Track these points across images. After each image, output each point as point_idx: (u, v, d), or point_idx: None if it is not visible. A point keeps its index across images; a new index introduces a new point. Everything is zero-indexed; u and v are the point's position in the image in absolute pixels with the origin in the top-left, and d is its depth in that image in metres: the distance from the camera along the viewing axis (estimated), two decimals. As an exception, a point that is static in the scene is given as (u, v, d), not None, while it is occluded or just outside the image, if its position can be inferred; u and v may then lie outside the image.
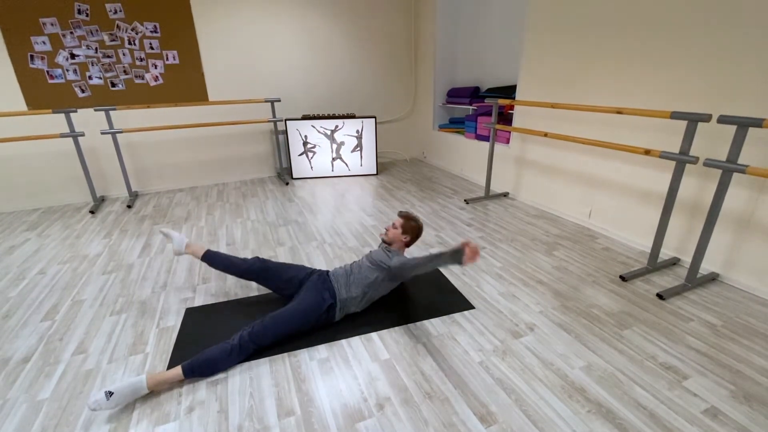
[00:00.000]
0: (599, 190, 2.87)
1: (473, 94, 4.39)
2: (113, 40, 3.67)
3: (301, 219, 3.25)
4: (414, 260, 1.72)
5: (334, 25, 4.48)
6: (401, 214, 2.05)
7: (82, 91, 3.71)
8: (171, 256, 2.61)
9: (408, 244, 2.04)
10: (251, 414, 1.39)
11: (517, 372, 1.56)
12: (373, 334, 1.79)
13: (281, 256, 2.59)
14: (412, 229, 2.01)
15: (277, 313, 1.71)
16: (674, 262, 2.39)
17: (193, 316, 1.95)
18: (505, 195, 3.76)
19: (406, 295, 2.10)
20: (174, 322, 1.92)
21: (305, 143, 4.44)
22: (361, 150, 4.56)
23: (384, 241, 2.03)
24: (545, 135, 2.85)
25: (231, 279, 2.30)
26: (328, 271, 1.96)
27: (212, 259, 2.04)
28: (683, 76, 2.24)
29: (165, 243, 2.82)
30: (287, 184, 4.35)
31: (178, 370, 1.50)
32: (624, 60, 2.54)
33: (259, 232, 3.00)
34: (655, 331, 1.78)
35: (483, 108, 4.17)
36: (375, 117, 4.46)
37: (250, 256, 2.56)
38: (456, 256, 1.48)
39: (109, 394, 1.37)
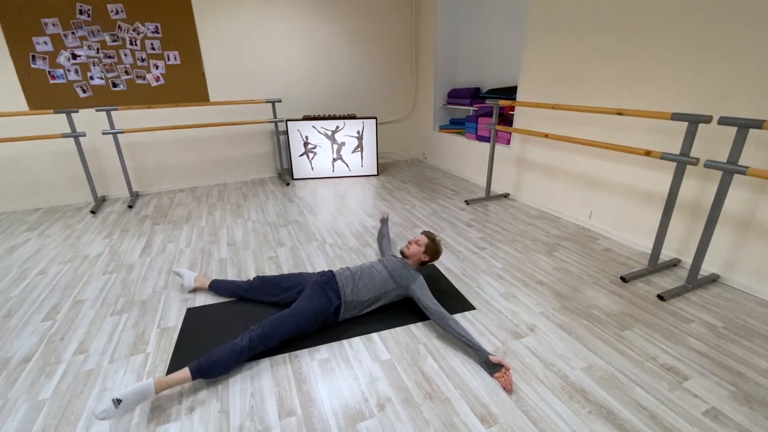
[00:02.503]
0: (600, 191, 2.87)
1: (474, 95, 4.39)
2: (115, 41, 3.68)
3: (301, 219, 3.25)
4: (449, 318, 1.72)
5: (334, 26, 4.48)
6: (427, 235, 2.09)
7: (84, 92, 3.71)
8: (172, 256, 2.62)
9: (423, 263, 2.07)
10: (252, 414, 1.39)
11: (518, 373, 1.56)
12: (374, 335, 1.79)
13: (282, 256, 2.59)
14: (433, 252, 2.05)
15: (285, 313, 1.71)
16: (675, 263, 2.39)
17: (194, 317, 1.95)
18: (506, 196, 3.76)
19: (414, 300, 2.10)
20: (175, 322, 1.92)
21: (306, 144, 4.44)
22: (361, 151, 4.56)
23: (402, 253, 2.06)
24: (546, 136, 2.85)
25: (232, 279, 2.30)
26: (332, 271, 1.95)
27: (217, 288, 2.14)
28: (684, 77, 2.24)
29: (166, 244, 2.83)
30: (288, 184, 4.35)
31: (186, 373, 1.47)
32: (624, 61, 2.54)
33: (260, 232, 3.00)
34: (655, 332, 1.78)
35: (483, 109, 4.17)
36: (376, 118, 4.47)
37: (251, 257, 2.58)
38: (489, 367, 1.56)
39: (118, 402, 1.32)
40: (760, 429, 1.30)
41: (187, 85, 4.02)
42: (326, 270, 1.99)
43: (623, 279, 2.22)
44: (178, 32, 3.85)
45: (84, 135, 3.43)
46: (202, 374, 1.50)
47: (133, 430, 1.33)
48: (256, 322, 1.88)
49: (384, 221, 2.67)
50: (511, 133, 3.68)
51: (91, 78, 3.70)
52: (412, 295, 1.90)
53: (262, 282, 2.03)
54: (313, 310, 1.75)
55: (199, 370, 1.49)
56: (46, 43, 3.48)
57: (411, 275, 1.93)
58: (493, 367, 1.55)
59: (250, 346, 1.58)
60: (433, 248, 2.05)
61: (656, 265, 2.31)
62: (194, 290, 2.19)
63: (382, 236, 2.48)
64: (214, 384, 1.52)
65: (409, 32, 4.88)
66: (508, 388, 1.48)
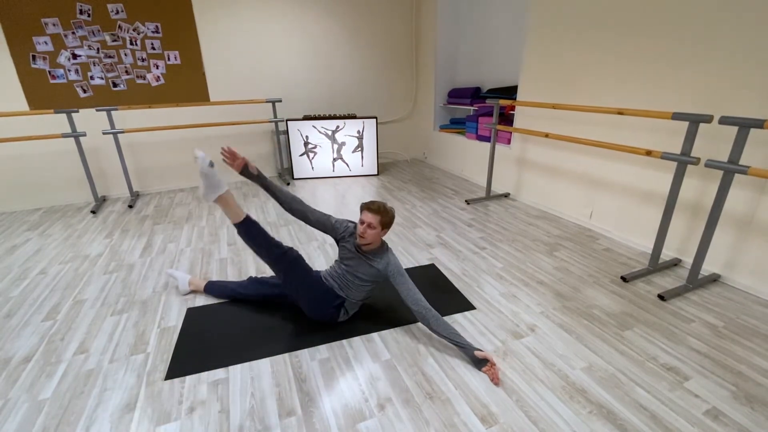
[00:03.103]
0: (600, 190, 2.87)
1: (474, 94, 4.39)
2: (115, 41, 3.68)
3: (302, 219, 3.25)
4: (431, 318, 1.65)
5: (335, 26, 4.48)
6: (372, 209, 1.70)
7: (84, 92, 3.71)
8: (172, 256, 2.62)
9: (384, 234, 1.79)
10: (252, 414, 1.39)
11: (518, 372, 1.56)
12: (374, 334, 1.79)
13: (282, 256, 2.59)
14: (389, 221, 1.74)
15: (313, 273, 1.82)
16: (675, 263, 2.39)
17: (194, 317, 1.95)
18: (506, 195, 3.76)
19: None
20: (175, 322, 1.92)
21: (306, 143, 4.44)
22: (362, 150, 4.56)
23: (359, 246, 1.77)
24: (546, 136, 2.85)
25: (232, 279, 2.30)
26: (319, 273, 1.87)
27: (212, 289, 2.12)
28: (685, 76, 2.24)
29: (166, 243, 2.83)
30: (288, 184, 4.35)
31: (242, 214, 1.73)
32: (625, 61, 2.53)
33: (260, 232, 3.00)
34: (656, 332, 1.78)
35: (484, 108, 4.17)
36: (376, 117, 4.47)
37: (251, 258, 2.58)
38: (476, 361, 1.58)
39: (212, 165, 1.63)
40: (761, 429, 1.30)
41: (188, 84, 4.02)
42: (318, 270, 1.97)
43: (624, 279, 2.21)
44: (178, 32, 3.84)
45: (84, 135, 3.43)
46: (247, 224, 1.74)
47: (134, 430, 1.33)
48: (257, 321, 1.90)
49: (256, 177, 1.80)
50: (511, 133, 3.67)
51: (92, 78, 3.70)
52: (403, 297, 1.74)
53: (257, 283, 2.04)
54: (325, 288, 1.79)
55: (250, 222, 1.75)
56: (46, 42, 3.48)
57: (381, 271, 1.73)
58: (479, 362, 1.56)
59: (284, 252, 1.75)
60: (388, 219, 1.72)
61: (657, 265, 2.31)
62: (189, 293, 2.16)
63: (303, 213, 1.85)
64: (214, 384, 1.52)
65: (410, 32, 4.88)
66: (495, 381, 1.49)
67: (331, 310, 1.78)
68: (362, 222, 1.71)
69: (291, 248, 1.79)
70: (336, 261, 1.89)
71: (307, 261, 2.46)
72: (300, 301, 1.82)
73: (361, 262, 1.76)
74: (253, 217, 3.28)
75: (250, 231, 1.74)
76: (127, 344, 1.76)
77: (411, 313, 1.90)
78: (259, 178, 1.81)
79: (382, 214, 1.70)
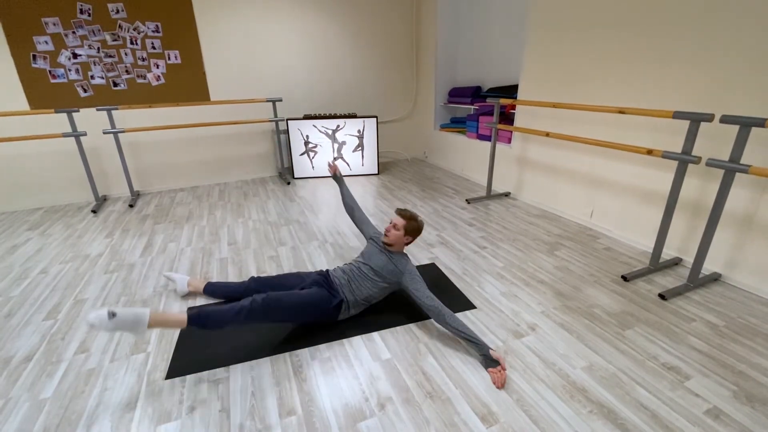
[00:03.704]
0: (601, 190, 2.87)
1: (475, 93, 4.38)
2: (115, 40, 3.68)
3: (302, 219, 3.25)
4: (446, 315, 1.67)
5: (335, 25, 4.48)
6: (402, 214, 1.93)
7: (84, 91, 3.72)
8: (172, 256, 2.62)
9: (408, 244, 1.97)
10: (253, 413, 1.39)
11: (519, 372, 1.56)
12: (375, 334, 1.79)
13: (282, 255, 2.59)
14: (414, 230, 1.92)
15: (291, 291, 1.73)
16: (676, 262, 2.38)
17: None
18: (507, 195, 3.75)
19: (407, 294, 2.10)
20: (176, 321, 1.92)
21: (306, 143, 4.44)
22: (362, 150, 4.56)
23: (384, 243, 1.94)
24: (547, 135, 2.85)
25: (232, 279, 2.30)
26: (327, 271, 1.95)
27: (212, 291, 2.10)
28: (686, 75, 2.24)
29: (167, 243, 2.83)
30: (288, 183, 4.35)
31: (182, 316, 1.46)
32: (626, 59, 2.53)
33: (261, 231, 3.00)
34: (657, 332, 1.78)
35: (484, 108, 4.16)
36: (376, 117, 4.46)
37: (251, 257, 2.58)
38: (487, 361, 1.58)
39: (112, 314, 1.31)
40: (762, 429, 1.29)
41: (188, 84, 4.02)
42: (323, 269, 1.99)
43: (624, 278, 2.21)
44: (178, 31, 3.84)
45: (85, 134, 3.43)
46: (197, 322, 1.49)
47: (134, 430, 1.33)
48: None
49: (338, 179, 2.37)
50: (512, 132, 3.67)
51: (92, 77, 3.70)
52: (405, 290, 1.85)
53: (258, 284, 2.01)
54: (317, 297, 1.76)
55: (197, 316, 1.49)
56: (46, 42, 3.48)
57: (398, 270, 1.85)
58: (490, 362, 1.56)
59: (251, 308, 1.57)
60: (414, 226, 1.92)
61: (657, 264, 2.30)
62: (188, 294, 2.14)
63: (351, 209, 2.25)
64: (214, 383, 1.52)
65: (410, 31, 4.87)
66: (498, 385, 1.48)
67: (329, 310, 1.78)
68: (390, 222, 1.94)
69: (253, 298, 1.60)
70: (354, 259, 2.01)
71: (306, 261, 2.50)
72: None
73: (381, 255, 1.91)
74: (254, 216, 3.31)
75: (203, 322, 1.51)
76: (127, 344, 1.77)
77: (412, 313, 1.92)
78: (341, 180, 2.36)
79: (407, 219, 1.91)
